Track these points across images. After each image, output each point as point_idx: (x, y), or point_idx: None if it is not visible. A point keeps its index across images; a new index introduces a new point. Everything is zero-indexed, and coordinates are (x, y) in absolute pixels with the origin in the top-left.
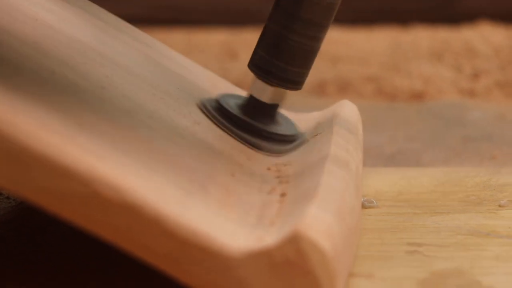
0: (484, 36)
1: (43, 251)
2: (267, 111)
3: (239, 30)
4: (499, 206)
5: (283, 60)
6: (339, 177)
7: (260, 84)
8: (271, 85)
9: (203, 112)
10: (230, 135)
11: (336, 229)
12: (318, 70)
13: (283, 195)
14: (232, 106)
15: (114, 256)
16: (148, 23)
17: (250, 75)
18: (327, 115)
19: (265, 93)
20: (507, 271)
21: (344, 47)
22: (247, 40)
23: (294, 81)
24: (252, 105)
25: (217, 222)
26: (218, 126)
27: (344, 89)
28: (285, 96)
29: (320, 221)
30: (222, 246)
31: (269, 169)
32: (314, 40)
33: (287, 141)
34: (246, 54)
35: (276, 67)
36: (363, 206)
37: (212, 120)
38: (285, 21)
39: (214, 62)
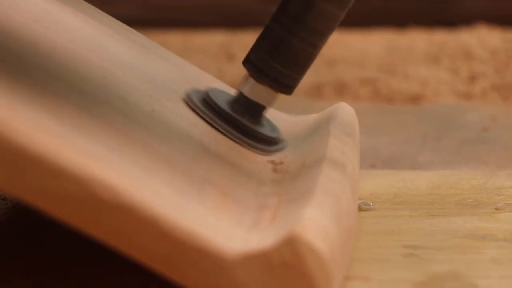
0: (481, 39)
1: (40, 251)
2: (254, 110)
3: (236, 32)
4: (496, 209)
5: (282, 63)
6: (335, 180)
7: (253, 82)
8: (264, 85)
9: (186, 103)
10: (213, 126)
11: (333, 232)
12: (315, 73)
13: (279, 197)
14: (219, 100)
15: (112, 256)
16: (145, 24)
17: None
18: (324, 117)
19: (256, 92)
20: (503, 274)
21: (341, 49)
22: (243, 42)
23: (287, 85)
24: (240, 102)
25: (214, 223)
26: (201, 117)
27: (341, 91)
28: (274, 99)
29: (317, 223)
30: (218, 248)
31: (266, 171)
32: (314, 48)
33: (269, 142)
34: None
35: (273, 69)
36: (360, 209)
37: (195, 111)
38: (291, 26)
39: (211, 64)
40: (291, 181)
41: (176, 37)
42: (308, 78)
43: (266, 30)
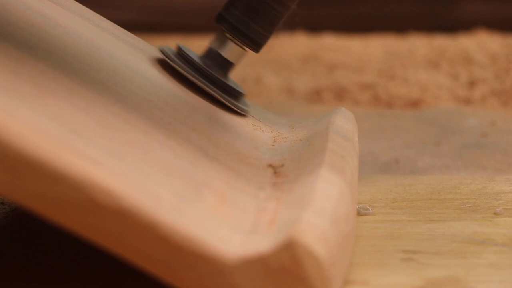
0: (481, 44)
1: (39, 256)
2: (224, 66)
3: None
4: (495, 214)
5: (257, 23)
6: (334, 184)
7: (224, 39)
8: (236, 43)
9: (163, 54)
10: (188, 78)
11: (332, 236)
12: (315, 77)
13: (278, 201)
14: (192, 55)
15: (109, 261)
16: (144, 28)
17: (245, 80)
18: (323, 122)
19: (227, 48)
20: (502, 279)
21: (340, 54)
22: None
23: (258, 43)
24: (211, 57)
25: (212, 227)
26: (178, 70)
27: (340, 96)
28: (243, 56)
29: (316, 228)
30: (216, 252)
31: (265, 175)
32: (286, 8)
33: (237, 96)
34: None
35: (248, 27)
36: (359, 213)
37: (172, 64)
38: None
39: None
40: (290, 185)
41: (175, 42)
42: (308, 83)
43: None
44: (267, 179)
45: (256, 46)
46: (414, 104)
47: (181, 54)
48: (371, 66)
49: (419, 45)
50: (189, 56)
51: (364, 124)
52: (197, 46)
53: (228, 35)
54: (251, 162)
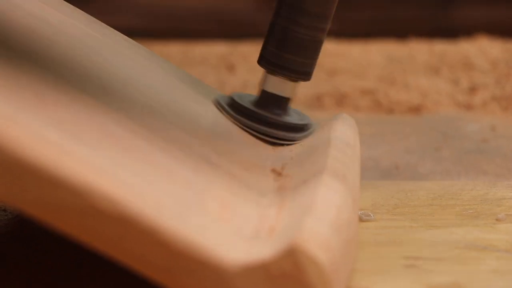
0: (481, 50)
1: (41, 262)
2: (280, 103)
3: (236, 43)
4: (496, 220)
5: (292, 52)
6: (336, 190)
7: (271, 78)
8: (281, 77)
9: (218, 109)
10: (244, 129)
11: (333, 242)
12: (315, 83)
13: (280, 208)
14: (245, 101)
15: (112, 266)
16: (145, 35)
17: (247, 85)
18: (324, 128)
19: (276, 85)
20: (504, 285)
21: (340, 59)
22: (244, 53)
23: (303, 72)
24: (265, 99)
25: (213, 234)
26: (234, 121)
27: (341, 102)
28: (295, 88)
29: (317, 234)
30: (218, 259)
31: (267, 181)
32: (320, 31)
33: (301, 129)
34: (243, 67)
35: (285, 60)
36: (360, 219)
37: (226, 115)
38: (292, 15)
39: (212, 75)
40: (292, 191)
41: (177, 48)
42: (308, 89)
43: (271, 25)
44: (269, 185)
45: (303, 75)
46: (415, 109)
47: (233, 103)
48: (372, 72)
49: (420, 50)
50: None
51: (365, 129)
52: (197, 53)
53: (271, 73)
54: (253, 169)
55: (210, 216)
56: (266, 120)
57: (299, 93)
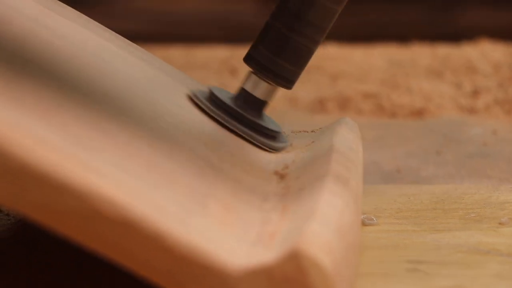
0: (484, 53)
1: (44, 266)
2: (257, 106)
3: (238, 47)
4: (500, 223)
5: (285, 59)
6: (339, 195)
7: (255, 79)
8: (267, 81)
9: (194, 102)
10: (222, 124)
11: (336, 247)
12: (318, 87)
13: (283, 212)
14: (224, 97)
15: (115, 271)
16: (148, 39)
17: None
18: (327, 132)
19: (259, 88)
20: None
21: (343, 63)
22: None
23: (289, 80)
24: (244, 99)
25: (217, 238)
26: (210, 115)
27: (343, 106)
28: (275, 94)
29: (320, 238)
30: (221, 263)
31: (269, 185)
32: (314, 43)
33: (274, 137)
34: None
35: (276, 64)
36: (363, 224)
37: (202, 110)
38: (292, 23)
39: (214, 78)
40: (294, 195)
41: (179, 52)
42: (311, 92)
43: (267, 27)
44: (272, 189)
45: (287, 83)
46: (418, 113)
47: (212, 97)
48: (374, 76)
49: (422, 54)
50: (220, 99)
51: (368, 133)
52: (199, 57)
53: (257, 75)
54: (256, 173)
55: (213, 220)
56: (245, 121)
57: (301, 97)
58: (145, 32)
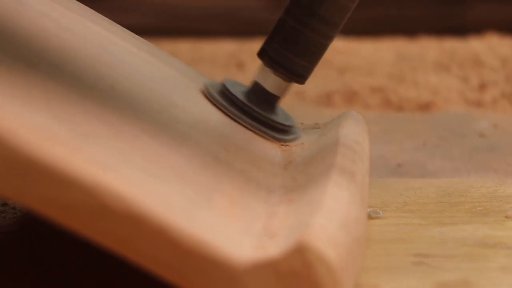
0: (491, 47)
1: (51, 260)
2: (270, 100)
3: (245, 41)
4: (506, 217)
5: (297, 54)
6: (345, 188)
7: (268, 73)
8: (279, 76)
9: (204, 95)
10: (232, 118)
11: (342, 240)
12: (325, 81)
13: (289, 205)
14: (236, 91)
15: (122, 265)
16: (155, 33)
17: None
18: (334, 125)
19: (271, 83)
20: None
21: (351, 57)
22: (253, 50)
23: (301, 75)
24: (256, 93)
25: (223, 232)
26: (221, 109)
27: (351, 99)
28: (288, 89)
29: (326, 232)
30: (227, 257)
31: (275, 178)
32: (327, 38)
33: (286, 131)
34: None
35: (288, 60)
36: (369, 217)
37: (212, 103)
38: (305, 18)
39: (221, 73)
40: (300, 188)
41: (186, 46)
42: (318, 86)
43: (280, 22)
44: (278, 182)
45: (300, 78)
46: (425, 107)
47: (224, 91)
48: (382, 69)
49: (429, 48)
50: (231, 92)
51: (374, 127)
52: (207, 51)
53: (270, 69)
54: (261, 166)
55: (219, 214)
56: (255, 115)
57: (309, 91)
58: (153, 26)
